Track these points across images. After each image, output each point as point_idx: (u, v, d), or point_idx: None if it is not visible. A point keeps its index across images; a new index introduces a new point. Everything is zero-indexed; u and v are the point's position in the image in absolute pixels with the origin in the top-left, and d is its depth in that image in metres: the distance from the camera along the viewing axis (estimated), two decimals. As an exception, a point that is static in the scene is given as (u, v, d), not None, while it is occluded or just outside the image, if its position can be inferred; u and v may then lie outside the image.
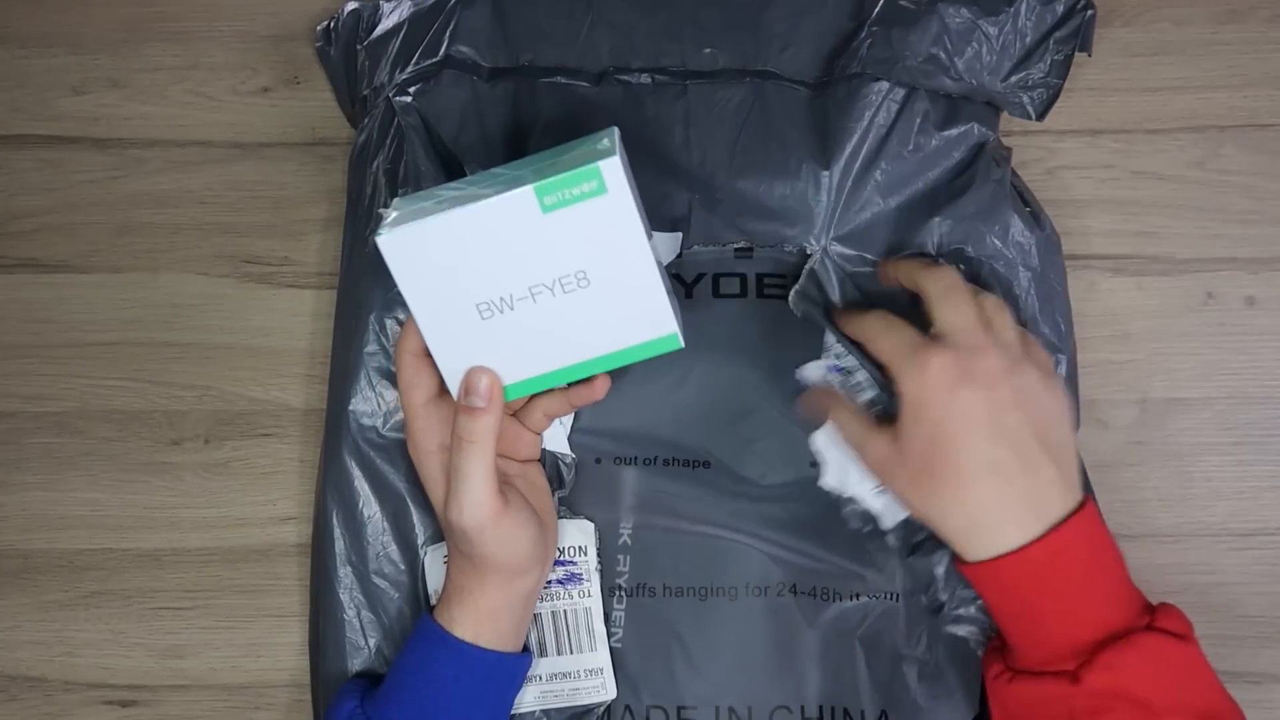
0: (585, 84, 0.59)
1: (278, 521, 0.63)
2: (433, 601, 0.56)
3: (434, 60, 0.59)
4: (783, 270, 0.59)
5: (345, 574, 0.57)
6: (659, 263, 0.49)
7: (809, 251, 0.57)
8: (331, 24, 0.63)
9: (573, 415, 0.57)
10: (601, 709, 0.56)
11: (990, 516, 0.48)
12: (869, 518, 0.56)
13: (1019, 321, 0.53)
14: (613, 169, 0.46)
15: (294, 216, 0.65)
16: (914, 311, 0.52)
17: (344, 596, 0.57)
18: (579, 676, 0.56)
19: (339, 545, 0.57)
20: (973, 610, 0.56)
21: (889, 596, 0.56)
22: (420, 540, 0.57)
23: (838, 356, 0.56)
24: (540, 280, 0.48)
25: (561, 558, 0.56)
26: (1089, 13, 0.59)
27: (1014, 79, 0.59)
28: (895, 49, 0.57)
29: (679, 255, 0.58)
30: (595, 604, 0.56)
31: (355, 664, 0.57)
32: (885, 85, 0.57)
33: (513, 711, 0.55)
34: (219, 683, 0.62)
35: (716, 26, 0.59)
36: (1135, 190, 0.64)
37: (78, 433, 0.64)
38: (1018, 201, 0.58)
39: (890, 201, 0.57)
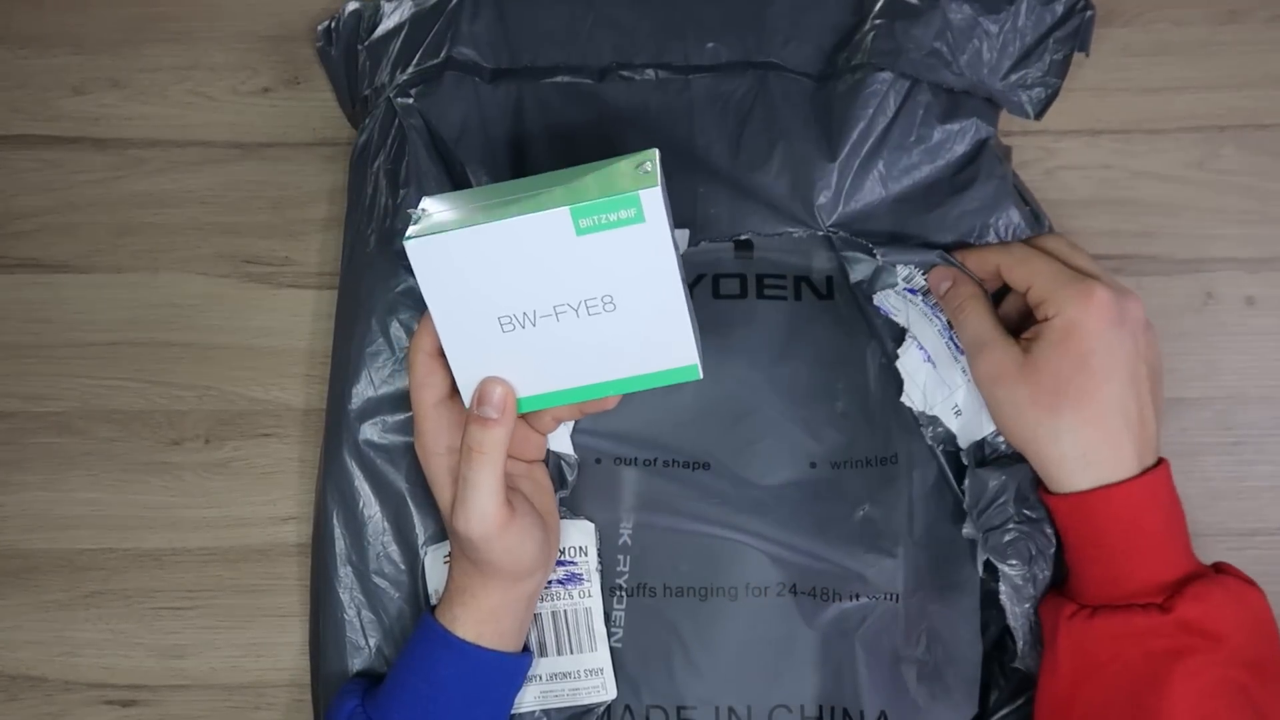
0: (588, 80, 0.59)
1: (278, 521, 0.63)
2: (433, 601, 0.56)
3: (435, 62, 0.59)
4: (782, 270, 0.59)
5: (345, 574, 0.57)
6: (688, 294, 0.48)
7: (818, 233, 0.57)
8: (332, 24, 0.63)
9: (576, 416, 0.57)
10: (601, 709, 0.56)
11: (1103, 451, 0.51)
12: (948, 437, 0.57)
13: None
14: (652, 199, 0.45)
15: (294, 216, 0.65)
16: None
17: (344, 596, 0.57)
18: (579, 676, 0.56)
19: (339, 545, 0.57)
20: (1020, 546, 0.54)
21: (889, 597, 0.56)
22: (420, 540, 0.57)
23: (906, 280, 0.57)
24: (566, 300, 0.47)
25: (562, 558, 0.56)
26: (1088, 13, 0.59)
27: (1013, 77, 0.59)
28: (899, 41, 0.57)
29: (681, 253, 0.57)
30: (595, 604, 0.56)
31: (355, 664, 0.57)
32: (889, 76, 0.57)
33: (513, 711, 0.55)
34: (219, 683, 0.62)
35: (718, 22, 0.59)
36: (1134, 190, 0.63)
37: (78, 433, 0.64)
38: (1019, 199, 0.59)
39: (893, 191, 0.57)
